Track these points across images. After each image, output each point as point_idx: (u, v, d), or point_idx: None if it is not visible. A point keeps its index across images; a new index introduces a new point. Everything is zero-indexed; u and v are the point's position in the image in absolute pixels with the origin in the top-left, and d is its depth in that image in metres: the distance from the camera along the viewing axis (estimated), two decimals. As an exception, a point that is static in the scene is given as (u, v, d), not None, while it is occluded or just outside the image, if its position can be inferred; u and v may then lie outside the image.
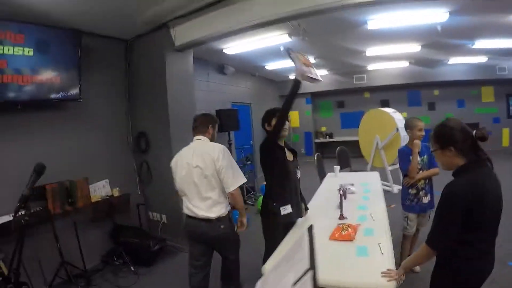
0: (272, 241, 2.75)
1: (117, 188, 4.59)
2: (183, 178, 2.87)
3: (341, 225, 2.79)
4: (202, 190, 2.78)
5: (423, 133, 3.53)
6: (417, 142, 3.46)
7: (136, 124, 5.06)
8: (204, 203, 2.80)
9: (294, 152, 3.14)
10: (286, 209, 2.87)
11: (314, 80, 2.90)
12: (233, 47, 6.20)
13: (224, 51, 6.37)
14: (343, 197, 3.27)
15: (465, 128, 1.82)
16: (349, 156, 7.19)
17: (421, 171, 3.53)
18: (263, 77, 10.82)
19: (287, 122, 2.81)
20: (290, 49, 2.85)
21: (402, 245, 3.77)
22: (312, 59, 8.10)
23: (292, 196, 2.95)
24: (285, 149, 2.98)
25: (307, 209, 3.28)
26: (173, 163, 3.02)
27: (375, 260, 2.22)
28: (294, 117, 13.00)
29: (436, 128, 1.94)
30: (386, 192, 6.88)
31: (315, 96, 13.06)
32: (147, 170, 5.02)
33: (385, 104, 11.49)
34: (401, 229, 3.75)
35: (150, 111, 4.85)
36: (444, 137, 1.86)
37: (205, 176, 2.75)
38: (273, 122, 2.86)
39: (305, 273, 0.94)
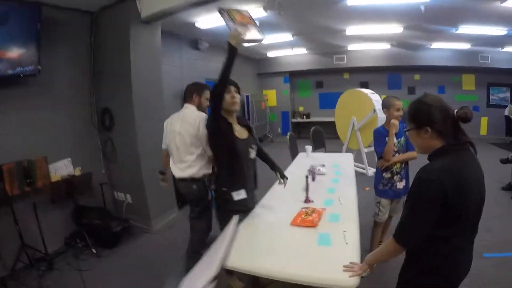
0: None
1: (79, 167, 4.42)
2: (169, 140, 3.19)
3: (304, 209, 2.64)
4: (181, 154, 3.08)
5: (401, 113, 3.33)
6: (394, 122, 3.26)
7: (101, 100, 4.85)
8: (181, 165, 3.09)
9: (248, 129, 2.80)
10: (240, 194, 2.59)
11: (253, 41, 2.58)
12: (206, 21, 6.02)
13: (196, 25, 6.18)
14: (311, 179, 3.21)
15: (445, 107, 1.59)
16: (324, 137, 7.11)
17: (397, 154, 3.35)
18: (241, 54, 10.43)
19: (238, 95, 2.58)
20: (222, 8, 2.44)
21: (373, 232, 3.64)
22: (290, 37, 7.98)
23: (245, 180, 2.65)
24: (234, 125, 2.63)
25: (285, 177, 2.98)
26: (165, 123, 3.34)
27: (338, 250, 2.04)
28: (271, 96, 12.99)
29: (412, 104, 1.69)
30: (361, 175, 7.03)
31: (293, 75, 12.96)
32: (112, 148, 4.85)
33: (365, 86, 11.38)
34: (372, 214, 3.58)
35: (115, 86, 4.63)
36: (420, 115, 1.62)
37: (184, 141, 3.03)
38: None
39: (209, 283, 0.82)
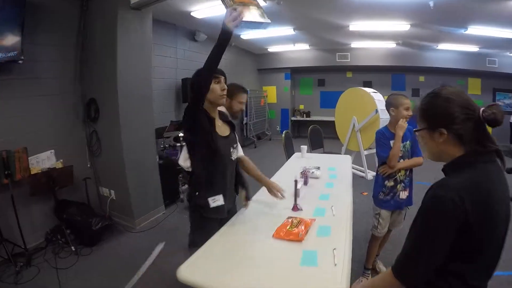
0: (200, 244, 2.12)
1: (61, 160, 4.27)
2: None
3: (291, 219, 2.33)
4: None
5: (411, 113, 3.01)
6: (402, 123, 2.96)
7: (87, 90, 4.68)
8: None
9: (231, 126, 2.54)
10: (216, 201, 2.29)
11: (254, 25, 2.07)
12: (202, 10, 5.83)
13: (192, 14, 5.98)
14: (301, 183, 2.96)
15: (467, 103, 1.23)
16: (323, 136, 6.96)
17: (401, 160, 3.03)
18: (240, 48, 10.50)
19: (225, 86, 2.30)
20: None
21: (369, 246, 3.35)
22: (291, 30, 7.81)
23: (224, 183, 2.37)
24: (216, 120, 2.35)
25: (248, 199, 2.68)
26: None
27: (324, 273, 1.73)
28: (271, 92, 12.80)
29: (425, 98, 1.35)
30: (360, 179, 6.89)
31: (295, 72, 12.77)
32: (97, 141, 4.69)
33: (368, 85, 11.15)
34: (370, 228, 3.30)
35: (101, 76, 4.48)
36: (435, 112, 1.29)
37: None
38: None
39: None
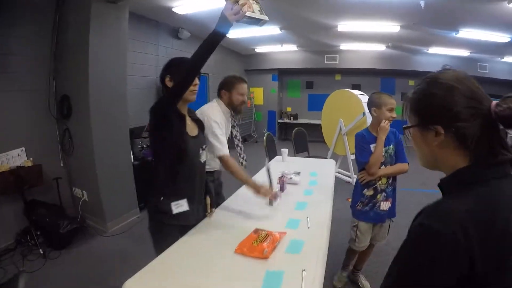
0: (159, 253, 1.98)
1: (31, 159, 4.14)
2: None
3: (257, 232, 2.11)
4: None
5: (395, 115, 2.74)
6: (385, 125, 2.72)
7: (61, 87, 4.56)
8: None
9: (200, 125, 2.37)
10: (180, 206, 2.12)
11: (254, 22, 1.96)
12: (184, 6, 5.73)
13: (174, 10, 5.88)
14: (278, 190, 2.84)
15: (475, 92, 0.91)
16: (307, 140, 6.90)
17: (383, 166, 2.77)
18: (226, 48, 10.41)
19: (198, 81, 2.13)
20: None
21: (345, 258, 3.22)
22: (277, 30, 7.76)
23: (192, 188, 2.22)
24: (186, 118, 2.20)
25: (213, 206, 2.56)
26: None
27: None
28: (258, 94, 12.74)
29: (420, 84, 1.03)
30: (345, 184, 6.82)
31: (282, 74, 12.77)
32: (69, 139, 4.56)
33: (357, 88, 11.03)
34: (348, 240, 3.11)
35: (74, 72, 4.36)
36: (430, 103, 0.95)
37: None
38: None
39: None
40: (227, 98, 2.93)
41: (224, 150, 2.66)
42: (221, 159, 2.66)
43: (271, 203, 2.63)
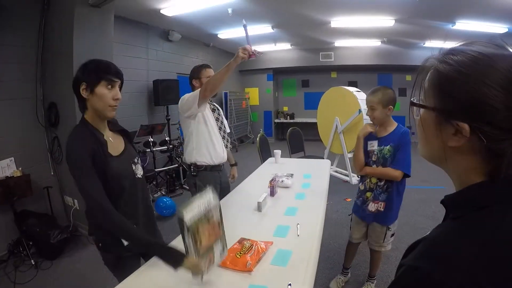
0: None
1: (20, 168, 4.13)
2: None
3: (242, 242, 1.98)
4: None
5: (370, 112, 2.71)
6: (367, 125, 2.75)
7: (48, 94, 4.56)
8: None
9: (125, 134, 2.06)
10: None
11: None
12: (172, 7, 5.71)
13: (162, 12, 5.87)
14: (268, 194, 2.79)
15: None
16: (303, 139, 6.89)
17: (374, 165, 2.75)
18: (219, 49, 10.38)
19: (119, 94, 1.84)
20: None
21: (346, 249, 3.27)
22: (269, 28, 7.76)
23: (134, 210, 1.95)
24: (106, 134, 1.87)
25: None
26: None
27: None
28: (253, 94, 12.74)
29: (459, 55, 0.68)
30: (343, 184, 6.80)
31: (277, 73, 12.77)
32: (58, 147, 4.55)
33: (353, 85, 10.98)
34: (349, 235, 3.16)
35: (60, 78, 4.33)
36: (466, 91, 0.64)
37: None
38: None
39: None
40: (199, 85, 3.10)
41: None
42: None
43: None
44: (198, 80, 3.17)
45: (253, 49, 2.55)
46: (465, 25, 6.90)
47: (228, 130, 3.45)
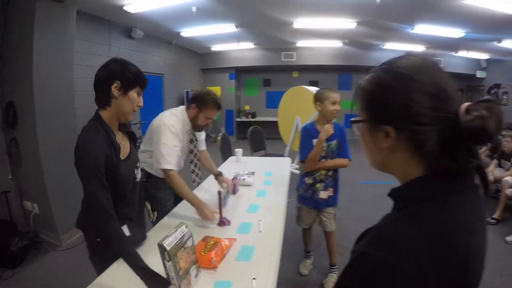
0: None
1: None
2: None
3: (206, 240, 2.01)
4: None
5: (338, 108, 2.88)
6: (330, 128, 2.85)
7: (7, 92, 4.33)
8: None
9: (131, 137, 2.05)
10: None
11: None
12: (136, 4, 5.62)
13: (125, 8, 5.76)
14: (226, 194, 2.77)
15: (441, 89, 0.73)
16: (265, 138, 6.97)
17: (324, 160, 2.97)
18: (182, 47, 10.27)
19: (141, 102, 1.86)
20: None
21: (302, 235, 3.58)
22: (233, 28, 7.79)
23: (130, 211, 1.99)
24: (117, 135, 1.87)
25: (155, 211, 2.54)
26: None
27: None
28: (215, 92, 12.58)
29: (374, 73, 0.83)
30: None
31: (240, 72, 12.80)
32: (16, 149, 4.34)
33: (314, 85, 11.22)
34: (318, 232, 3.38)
35: (19, 76, 4.14)
36: (382, 98, 0.77)
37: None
38: None
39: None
40: (194, 114, 2.77)
41: (169, 164, 2.55)
42: (165, 173, 2.57)
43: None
44: (197, 110, 2.77)
45: (223, 216, 2.44)
46: (423, 28, 7.19)
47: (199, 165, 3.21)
